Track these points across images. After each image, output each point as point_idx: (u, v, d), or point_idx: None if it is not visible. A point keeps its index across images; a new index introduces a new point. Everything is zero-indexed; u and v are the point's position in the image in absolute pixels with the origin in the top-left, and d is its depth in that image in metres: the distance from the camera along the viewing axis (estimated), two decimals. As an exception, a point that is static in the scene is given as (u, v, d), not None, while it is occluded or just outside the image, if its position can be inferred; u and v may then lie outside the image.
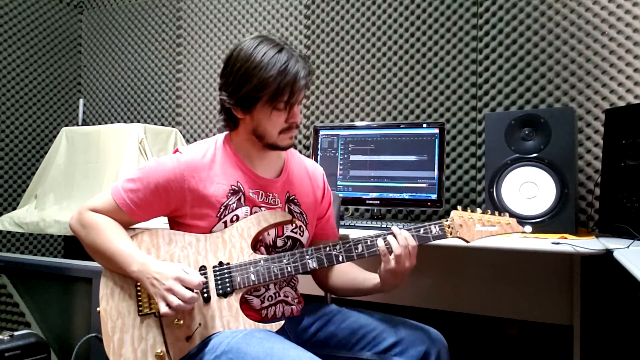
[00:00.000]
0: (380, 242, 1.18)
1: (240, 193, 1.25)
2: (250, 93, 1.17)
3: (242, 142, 1.29)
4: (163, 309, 1.09)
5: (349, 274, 1.37)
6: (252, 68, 1.16)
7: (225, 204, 1.22)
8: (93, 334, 1.61)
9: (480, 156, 2.21)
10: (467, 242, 1.22)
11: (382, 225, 1.84)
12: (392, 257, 1.16)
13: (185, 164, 1.21)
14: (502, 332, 2.21)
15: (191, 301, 1.09)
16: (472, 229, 1.21)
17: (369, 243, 1.21)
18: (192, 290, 1.10)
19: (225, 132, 1.33)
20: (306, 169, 1.42)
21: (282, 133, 1.23)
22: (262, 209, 1.26)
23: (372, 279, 1.29)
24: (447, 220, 1.22)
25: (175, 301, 1.08)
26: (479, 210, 1.24)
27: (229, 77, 1.20)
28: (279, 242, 1.29)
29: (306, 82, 1.20)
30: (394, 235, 1.18)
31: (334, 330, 1.28)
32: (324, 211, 1.44)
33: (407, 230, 1.20)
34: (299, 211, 1.35)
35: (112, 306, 1.18)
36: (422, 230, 1.20)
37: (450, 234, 1.21)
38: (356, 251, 1.21)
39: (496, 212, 1.24)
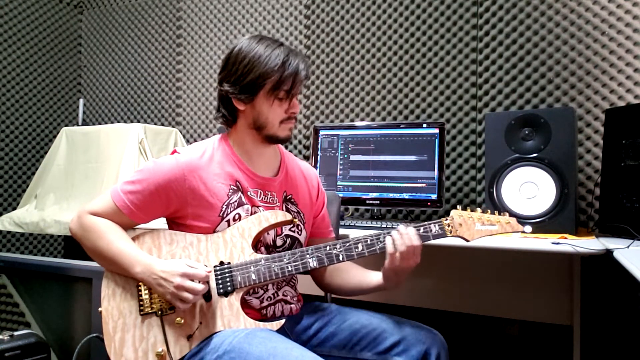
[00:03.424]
0: (388, 240, 1.19)
1: (240, 192, 1.25)
2: (255, 81, 1.20)
3: (241, 138, 1.29)
4: (180, 306, 1.12)
5: (349, 272, 1.38)
6: (255, 58, 1.21)
7: (226, 202, 1.23)
8: (94, 334, 1.60)
9: (480, 156, 2.21)
10: (467, 241, 1.22)
11: (382, 226, 1.84)
12: (397, 255, 1.17)
13: (184, 164, 1.22)
14: (502, 332, 2.21)
15: (202, 292, 1.13)
16: (472, 228, 1.22)
17: (369, 242, 1.21)
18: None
19: (222, 133, 1.34)
20: (301, 170, 1.43)
21: (282, 123, 1.26)
22: (261, 208, 1.27)
23: (373, 276, 1.31)
24: (446, 219, 1.22)
25: (188, 297, 1.10)
26: (478, 209, 1.24)
27: (232, 67, 1.23)
28: (279, 241, 1.30)
29: (306, 74, 1.25)
30: (400, 234, 1.18)
31: (334, 331, 1.28)
32: (319, 210, 1.45)
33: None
34: (296, 210, 1.35)
35: (113, 306, 1.18)
36: (421, 230, 1.20)
37: (450, 232, 1.21)
38: (356, 250, 1.22)
39: (496, 212, 1.25)
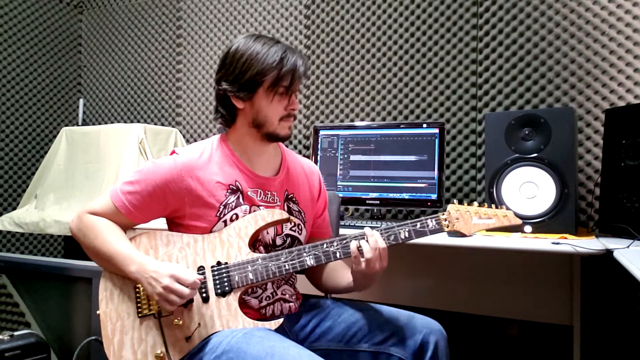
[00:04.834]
0: (352, 244, 1.18)
1: (239, 192, 1.25)
2: (253, 77, 1.20)
3: (240, 137, 1.29)
4: (165, 307, 1.11)
5: (332, 270, 1.38)
6: (253, 56, 1.21)
7: (224, 202, 1.23)
8: (93, 337, 1.60)
9: (480, 156, 2.21)
10: (465, 235, 1.20)
11: (382, 226, 1.83)
12: (362, 259, 1.16)
13: (182, 164, 1.22)
14: (502, 332, 2.21)
15: (189, 297, 1.11)
16: (469, 222, 1.20)
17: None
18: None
19: (221, 133, 1.34)
20: (302, 168, 1.42)
21: (282, 120, 1.25)
22: (261, 208, 1.26)
23: (346, 277, 1.30)
24: (443, 214, 1.20)
25: (174, 299, 1.09)
26: (475, 203, 1.23)
27: (230, 66, 1.23)
28: (278, 241, 1.29)
29: (305, 70, 1.24)
30: (366, 237, 1.17)
31: (331, 325, 1.28)
32: (320, 210, 1.44)
33: (387, 229, 1.19)
34: (297, 209, 1.35)
35: (111, 308, 1.18)
36: (418, 225, 1.19)
37: (447, 227, 1.20)
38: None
39: (493, 205, 1.23)
